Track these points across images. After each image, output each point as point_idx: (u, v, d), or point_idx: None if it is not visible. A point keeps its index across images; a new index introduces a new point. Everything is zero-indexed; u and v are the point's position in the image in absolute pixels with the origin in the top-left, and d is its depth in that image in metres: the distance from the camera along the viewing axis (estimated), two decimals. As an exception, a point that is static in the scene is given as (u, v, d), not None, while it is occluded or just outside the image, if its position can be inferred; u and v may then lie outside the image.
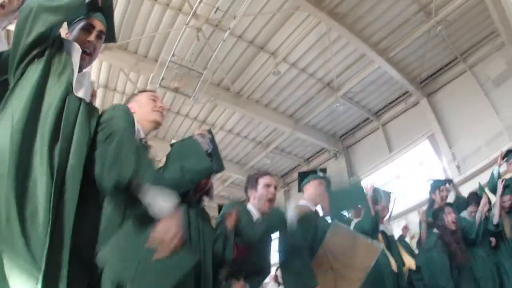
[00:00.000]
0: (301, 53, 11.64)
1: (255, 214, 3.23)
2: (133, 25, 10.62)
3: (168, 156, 2.70)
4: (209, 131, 3.14)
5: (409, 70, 12.75)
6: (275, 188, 3.39)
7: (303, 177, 4.43)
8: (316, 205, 4.05)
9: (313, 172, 4.37)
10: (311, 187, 4.18)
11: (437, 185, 5.93)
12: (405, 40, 11.24)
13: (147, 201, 1.75)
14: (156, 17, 10.52)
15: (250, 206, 3.28)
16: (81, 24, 2.21)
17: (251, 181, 3.42)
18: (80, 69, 2.08)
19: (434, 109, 12.82)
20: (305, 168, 16.69)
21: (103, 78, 12.24)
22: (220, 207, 3.83)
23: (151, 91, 2.68)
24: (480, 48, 11.93)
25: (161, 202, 1.75)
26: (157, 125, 2.46)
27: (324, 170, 4.43)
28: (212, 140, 3.03)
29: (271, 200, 3.31)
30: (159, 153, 14.34)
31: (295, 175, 16.95)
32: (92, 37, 2.21)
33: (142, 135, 2.31)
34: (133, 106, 2.45)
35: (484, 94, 11.54)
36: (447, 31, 11.18)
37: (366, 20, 10.77)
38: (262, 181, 3.37)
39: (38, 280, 1.49)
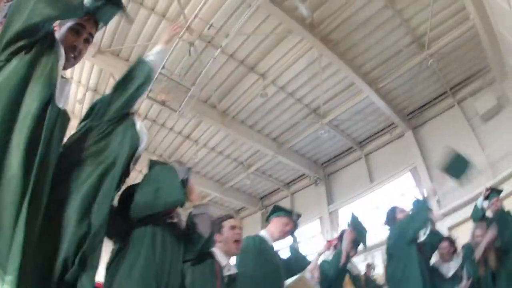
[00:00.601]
0: (290, 77, 11.70)
1: (223, 258, 3.26)
2: (127, 32, 10.68)
3: (145, 177, 2.74)
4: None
5: (397, 101, 12.86)
6: (240, 229, 3.49)
7: (276, 210, 4.47)
8: (274, 240, 4.10)
9: (288, 211, 4.41)
10: (278, 223, 4.21)
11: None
12: (395, 71, 11.36)
13: None
14: (151, 27, 10.56)
15: (217, 250, 3.26)
16: (72, 23, 2.13)
17: (215, 226, 3.38)
18: (64, 68, 2.03)
19: (418, 142, 12.89)
20: (285, 193, 16.81)
21: (93, 81, 12.21)
22: None
23: None
24: (470, 82, 12.06)
25: None
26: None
27: (299, 216, 4.51)
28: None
29: (238, 241, 3.41)
30: (141, 164, 14.55)
31: (274, 198, 17.10)
32: (79, 42, 2.15)
33: None
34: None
35: (471, 129, 11.62)
36: (439, 65, 11.31)
37: (358, 48, 10.91)
38: (227, 223, 3.45)
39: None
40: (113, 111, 2.41)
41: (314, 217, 15.22)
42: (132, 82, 2.55)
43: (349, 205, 14.36)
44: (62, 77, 1.99)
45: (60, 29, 2.11)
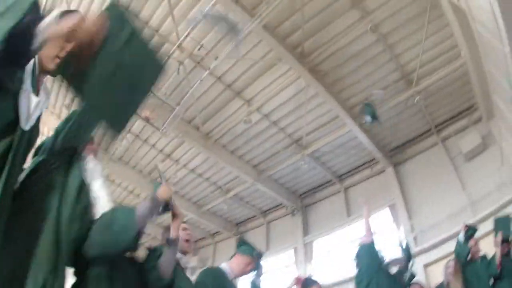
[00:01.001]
0: (275, 106, 11.73)
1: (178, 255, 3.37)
2: None
3: (104, 215, 2.65)
4: None
5: (380, 137, 12.92)
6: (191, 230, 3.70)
7: (242, 244, 4.50)
8: (234, 276, 4.11)
9: (256, 252, 4.36)
10: (241, 261, 4.21)
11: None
12: (381, 107, 11.39)
13: None
14: None
15: None
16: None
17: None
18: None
19: (399, 179, 12.95)
20: (261, 220, 16.69)
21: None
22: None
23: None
24: (456, 121, 12.18)
25: None
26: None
27: (261, 255, 4.47)
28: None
29: (188, 241, 3.57)
30: (119, 176, 14.44)
31: (250, 224, 17.06)
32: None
33: None
34: None
35: (453, 168, 11.67)
36: (425, 102, 11.45)
37: (346, 81, 11.01)
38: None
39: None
40: (59, 145, 2.33)
41: (289, 247, 15.10)
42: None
43: (325, 238, 14.32)
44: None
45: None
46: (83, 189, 2.37)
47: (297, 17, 9.84)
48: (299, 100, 11.43)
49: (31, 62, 1.86)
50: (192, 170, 14.24)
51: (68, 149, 2.37)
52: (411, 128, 12.79)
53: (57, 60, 1.92)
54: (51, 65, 1.92)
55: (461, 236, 6.19)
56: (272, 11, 9.23)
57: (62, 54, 1.90)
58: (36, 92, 1.89)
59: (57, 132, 2.39)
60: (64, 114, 12.23)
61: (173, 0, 9.85)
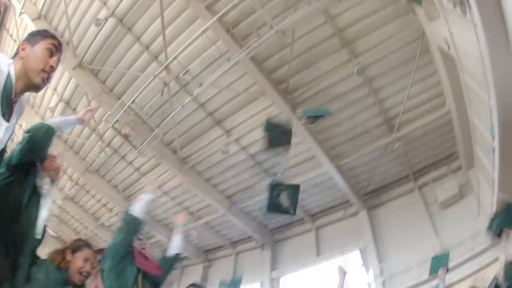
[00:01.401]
0: (254, 139, 11.61)
1: None
2: (110, 53, 10.78)
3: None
4: None
5: (357, 180, 12.92)
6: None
7: None
8: None
9: None
10: None
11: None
12: (360, 150, 11.51)
13: None
14: (133, 56, 10.70)
15: None
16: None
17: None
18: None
19: (372, 223, 12.87)
20: (230, 251, 16.50)
21: (67, 94, 12.19)
22: None
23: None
24: (435, 168, 12.20)
25: None
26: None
27: None
28: None
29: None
30: (94, 187, 14.20)
31: (218, 253, 16.85)
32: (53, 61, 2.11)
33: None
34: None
35: (427, 215, 11.64)
36: (405, 148, 11.48)
37: (327, 122, 10.96)
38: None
39: None
40: (14, 161, 2.55)
41: (255, 281, 14.85)
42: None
43: (292, 275, 14.16)
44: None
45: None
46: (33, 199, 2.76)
47: (285, 53, 9.97)
48: (278, 137, 11.35)
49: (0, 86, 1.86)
50: (166, 193, 14.01)
51: (24, 164, 2.76)
52: (388, 173, 12.81)
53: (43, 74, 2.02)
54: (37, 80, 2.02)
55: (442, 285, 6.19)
56: (261, 44, 9.32)
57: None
58: (9, 115, 1.91)
59: (14, 150, 2.72)
60: (48, 116, 12.60)
61: (166, 19, 9.93)
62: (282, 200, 6.67)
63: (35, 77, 2.01)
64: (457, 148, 11.31)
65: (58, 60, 2.15)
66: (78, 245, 3.31)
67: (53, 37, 2.20)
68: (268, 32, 9.20)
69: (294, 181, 12.36)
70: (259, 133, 11.26)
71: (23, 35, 11.51)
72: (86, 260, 3.21)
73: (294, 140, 11.10)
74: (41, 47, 2.10)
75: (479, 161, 9.58)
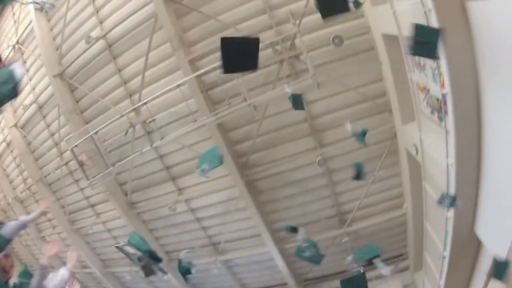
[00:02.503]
0: (204, 204, 11.37)
1: None
2: (91, 76, 10.82)
3: None
4: None
5: (298, 265, 12.36)
6: None
7: None
8: None
9: None
10: None
11: None
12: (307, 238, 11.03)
13: None
14: (110, 86, 10.71)
15: None
16: None
17: None
18: None
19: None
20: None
21: (42, 99, 12.19)
22: None
23: None
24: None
25: None
26: None
27: None
28: None
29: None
30: (43, 200, 13.75)
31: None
32: None
33: None
34: None
35: None
36: (353, 244, 11.09)
37: (279, 205, 10.76)
38: None
39: None
40: None
41: None
42: None
43: None
44: None
45: None
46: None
47: (253, 128, 9.79)
48: (228, 207, 11.05)
49: None
50: (109, 230, 13.54)
51: None
52: (332, 264, 12.20)
53: None
54: None
55: None
56: (231, 114, 9.12)
57: None
58: None
59: None
60: (19, 113, 13.05)
61: (150, 60, 9.88)
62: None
63: None
64: (407, 249, 11.14)
65: None
66: None
67: None
68: (240, 103, 9.02)
69: (235, 255, 11.95)
70: (210, 199, 10.96)
71: (24, 19, 12.02)
72: None
73: (243, 214, 10.83)
74: None
75: (426, 266, 9.52)
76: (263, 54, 9.16)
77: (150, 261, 6.95)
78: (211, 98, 9.68)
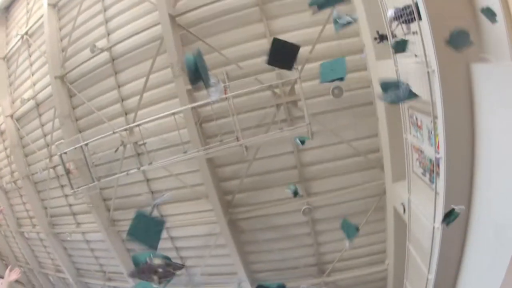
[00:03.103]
0: (184, 234, 11.22)
1: None
2: (91, 86, 10.93)
3: None
4: None
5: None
6: None
7: None
8: None
9: None
10: None
11: None
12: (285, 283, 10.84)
13: None
14: (108, 101, 10.81)
15: None
16: None
17: None
18: None
19: None
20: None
21: (41, 96, 12.24)
22: None
23: None
24: None
25: None
26: None
27: None
28: None
29: None
30: (27, 197, 13.56)
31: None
32: None
33: None
34: None
35: None
36: None
37: (258, 247, 10.62)
38: None
39: None
40: None
41: None
42: None
43: None
44: None
45: None
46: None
47: (242, 167, 9.66)
48: (207, 241, 10.89)
49: None
50: (87, 242, 13.36)
51: None
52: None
53: None
54: None
55: None
56: (222, 150, 8.99)
57: None
58: None
59: None
60: (16, 105, 13.08)
61: (150, 82, 9.90)
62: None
63: None
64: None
65: None
66: None
67: None
68: (232, 141, 8.90)
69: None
70: (190, 231, 10.78)
71: (37, 11, 12.10)
72: None
73: (222, 251, 10.64)
74: None
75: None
76: (262, 95, 9.18)
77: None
78: (204, 131, 9.58)
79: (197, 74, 6.35)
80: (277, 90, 9.20)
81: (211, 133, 9.50)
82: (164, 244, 11.41)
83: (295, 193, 8.99)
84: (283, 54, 6.27)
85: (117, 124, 10.37)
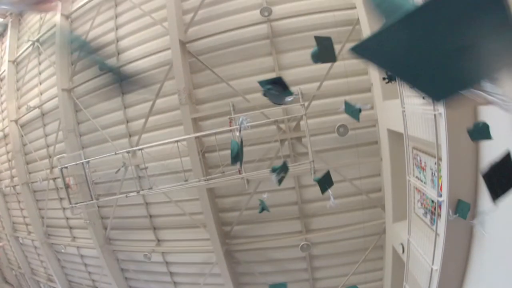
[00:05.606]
0: (179, 261, 11.14)
1: None
2: (96, 103, 10.92)
3: None
4: None
5: None
6: None
7: None
8: None
9: None
10: None
11: None
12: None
13: None
14: (113, 120, 10.83)
15: None
16: None
17: None
18: None
19: None
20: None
21: (47, 106, 12.34)
22: None
23: None
24: None
25: None
26: None
27: None
28: None
29: None
30: (25, 203, 13.50)
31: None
32: None
33: None
34: None
35: None
36: None
37: (254, 279, 10.52)
38: None
39: None
40: None
41: None
42: None
43: None
44: None
45: None
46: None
47: (242, 200, 9.65)
48: (202, 269, 10.83)
49: None
50: (81, 256, 13.31)
51: None
52: None
53: None
54: None
55: None
56: (222, 182, 8.97)
57: None
58: None
59: None
60: (23, 111, 12.94)
61: (156, 107, 9.93)
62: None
63: None
64: None
65: None
66: None
67: None
68: (235, 174, 8.88)
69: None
70: (186, 258, 10.74)
71: (49, 20, 12.09)
72: None
73: (216, 280, 10.58)
74: None
75: None
76: (267, 130, 9.16)
77: None
78: (207, 161, 9.56)
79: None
80: (282, 125, 9.20)
81: (213, 164, 9.49)
82: (158, 267, 11.50)
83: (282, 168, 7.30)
84: (325, 49, 6.08)
85: (120, 145, 10.44)
